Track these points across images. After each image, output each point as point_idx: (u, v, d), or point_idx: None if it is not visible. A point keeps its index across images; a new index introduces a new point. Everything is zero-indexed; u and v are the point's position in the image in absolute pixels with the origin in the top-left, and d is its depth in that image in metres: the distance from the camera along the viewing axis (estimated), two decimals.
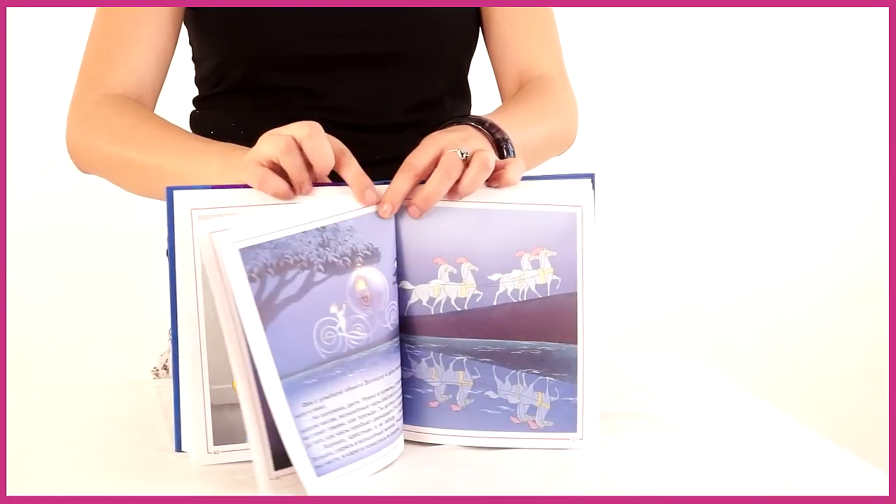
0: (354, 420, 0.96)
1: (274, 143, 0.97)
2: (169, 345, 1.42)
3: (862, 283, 2.73)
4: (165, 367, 1.41)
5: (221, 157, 1.06)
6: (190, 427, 0.98)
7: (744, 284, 2.70)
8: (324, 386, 0.94)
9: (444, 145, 1.02)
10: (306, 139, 0.96)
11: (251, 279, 0.90)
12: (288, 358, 0.92)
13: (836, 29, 2.64)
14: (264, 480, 0.93)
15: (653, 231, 2.65)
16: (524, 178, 1.02)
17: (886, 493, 0.94)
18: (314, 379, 0.94)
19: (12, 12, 2.27)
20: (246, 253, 0.90)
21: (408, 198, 1.00)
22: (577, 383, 1.02)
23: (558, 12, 1.40)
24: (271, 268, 0.92)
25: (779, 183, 2.68)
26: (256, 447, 0.92)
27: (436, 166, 1.00)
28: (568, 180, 1.01)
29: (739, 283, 2.70)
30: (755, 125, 2.65)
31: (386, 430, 0.99)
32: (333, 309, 0.96)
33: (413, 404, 1.04)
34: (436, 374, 1.03)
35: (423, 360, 1.03)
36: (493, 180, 1.01)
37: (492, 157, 1.00)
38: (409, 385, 1.04)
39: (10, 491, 0.93)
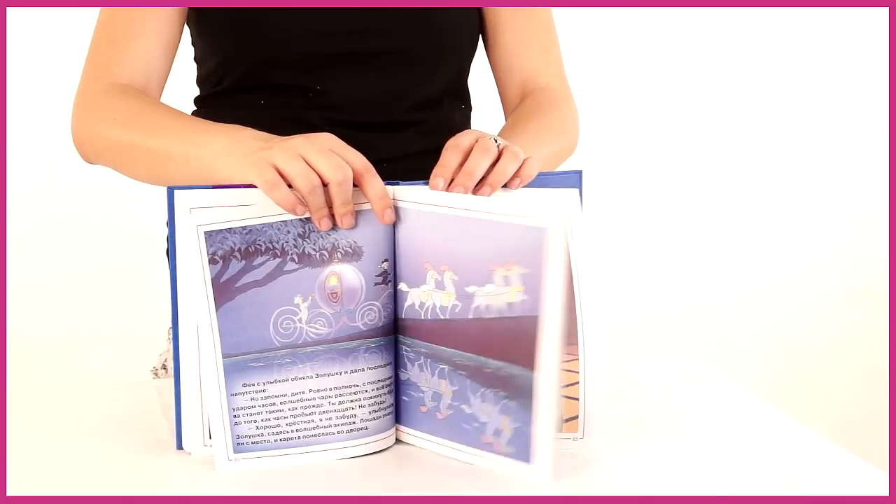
0: (296, 409, 0.99)
1: (304, 179, 0.96)
2: (168, 344, 1.42)
3: (862, 282, 2.73)
4: (165, 367, 1.41)
5: (227, 135, 1.06)
6: (190, 424, 0.99)
7: (743, 284, 2.70)
8: (270, 371, 0.98)
9: (480, 134, 1.05)
10: (335, 186, 0.97)
11: (213, 261, 0.95)
12: (237, 339, 0.97)
13: (836, 29, 2.64)
14: (199, 447, 0.99)
15: (652, 230, 2.65)
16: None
17: (886, 493, 0.94)
18: (261, 363, 0.98)
19: (12, 12, 2.27)
20: (212, 236, 0.95)
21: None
22: (531, 413, 0.94)
23: (554, 12, 1.40)
24: (238, 252, 0.96)
25: (778, 182, 2.68)
26: (196, 417, 0.99)
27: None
28: (555, 189, 1.00)
29: (739, 282, 2.70)
30: (755, 125, 2.65)
31: (336, 426, 1.00)
32: (297, 300, 0.98)
33: (409, 406, 1.03)
34: (425, 380, 1.02)
35: (416, 363, 1.02)
36: (514, 177, 1.02)
37: (521, 150, 1.03)
38: (406, 387, 1.03)
39: (10, 491, 0.93)
